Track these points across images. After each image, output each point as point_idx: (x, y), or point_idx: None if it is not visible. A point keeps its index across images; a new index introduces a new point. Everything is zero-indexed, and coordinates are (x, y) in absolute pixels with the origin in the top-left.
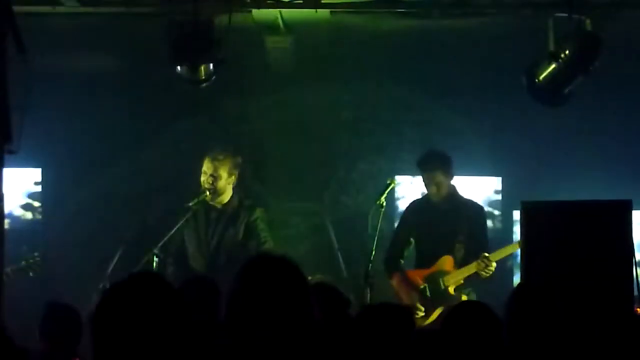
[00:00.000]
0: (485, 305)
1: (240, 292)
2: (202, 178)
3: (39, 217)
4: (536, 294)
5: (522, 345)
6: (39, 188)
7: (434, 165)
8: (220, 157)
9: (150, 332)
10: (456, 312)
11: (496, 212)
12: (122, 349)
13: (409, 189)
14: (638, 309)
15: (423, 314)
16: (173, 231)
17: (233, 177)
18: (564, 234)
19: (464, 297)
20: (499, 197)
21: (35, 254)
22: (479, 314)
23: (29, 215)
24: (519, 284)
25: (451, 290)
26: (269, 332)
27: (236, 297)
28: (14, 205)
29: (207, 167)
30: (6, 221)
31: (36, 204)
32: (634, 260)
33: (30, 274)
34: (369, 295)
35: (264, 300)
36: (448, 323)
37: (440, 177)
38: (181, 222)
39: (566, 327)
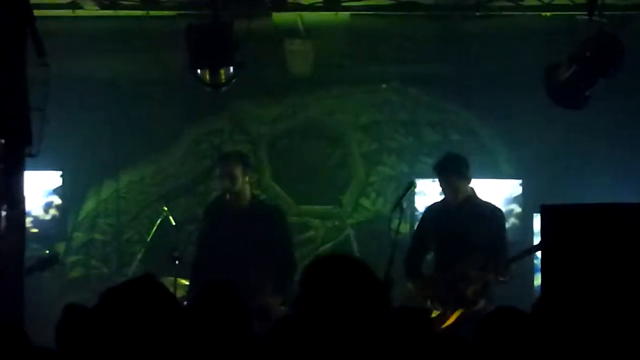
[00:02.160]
0: (521, 312)
1: (308, 294)
2: (219, 182)
3: (58, 218)
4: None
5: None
6: (59, 190)
7: (451, 169)
8: (232, 158)
9: (142, 337)
10: (492, 318)
11: (516, 216)
12: (113, 354)
13: (428, 192)
14: None
15: (442, 317)
16: (194, 234)
17: (248, 176)
18: (585, 237)
19: (483, 301)
20: (519, 200)
21: (47, 251)
22: (514, 321)
23: (48, 216)
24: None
25: (470, 294)
26: (348, 333)
27: (310, 301)
28: (34, 207)
29: (221, 170)
30: (28, 220)
31: (57, 202)
32: None
33: (46, 272)
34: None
35: (335, 301)
36: (484, 330)
37: (457, 181)
38: (202, 224)
39: (591, 330)
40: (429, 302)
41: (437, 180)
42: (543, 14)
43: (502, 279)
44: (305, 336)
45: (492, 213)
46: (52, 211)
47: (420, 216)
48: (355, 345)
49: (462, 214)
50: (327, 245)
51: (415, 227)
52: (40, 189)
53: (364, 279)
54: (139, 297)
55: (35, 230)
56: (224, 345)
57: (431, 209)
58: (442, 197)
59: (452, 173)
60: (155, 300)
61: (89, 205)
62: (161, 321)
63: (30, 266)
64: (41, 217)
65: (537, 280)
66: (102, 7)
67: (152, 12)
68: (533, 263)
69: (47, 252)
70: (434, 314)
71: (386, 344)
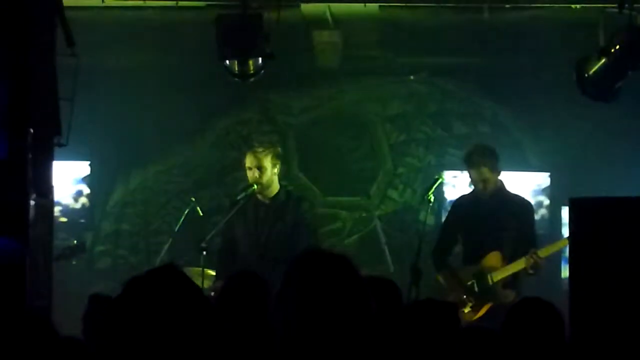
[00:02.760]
0: (547, 302)
1: (291, 289)
2: (248, 173)
3: (87, 207)
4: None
5: (585, 341)
6: (87, 180)
7: (481, 160)
8: (260, 149)
9: (164, 327)
10: (519, 309)
11: (544, 208)
12: (135, 343)
13: (456, 184)
14: None
15: (471, 310)
16: (221, 225)
17: (277, 168)
18: (614, 231)
19: (512, 294)
20: (547, 192)
21: (75, 241)
22: (541, 311)
23: (78, 205)
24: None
25: (499, 286)
26: (326, 328)
27: (287, 295)
28: (64, 195)
29: (250, 161)
30: (56, 209)
31: (86, 191)
32: None
33: (73, 261)
34: (415, 291)
35: (318, 296)
36: (511, 320)
37: (487, 172)
38: (229, 215)
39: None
40: (457, 296)
41: (465, 171)
42: (573, 5)
43: (531, 271)
44: (286, 330)
45: (521, 205)
46: (82, 200)
47: (449, 208)
48: (337, 341)
49: (491, 206)
50: (354, 237)
51: (444, 219)
52: (69, 178)
53: (347, 275)
54: (162, 287)
55: (64, 219)
56: (249, 336)
57: (460, 201)
58: (471, 188)
59: (483, 164)
60: (177, 290)
61: (117, 195)
62: (184, 310)
63: (58, 255)
64: (71, 206)
65: (565, 272)
66: None
67: (181, 3)
68: (561, 255)
69: (75, 241)
70: (466, 308)
71: (368, 340)
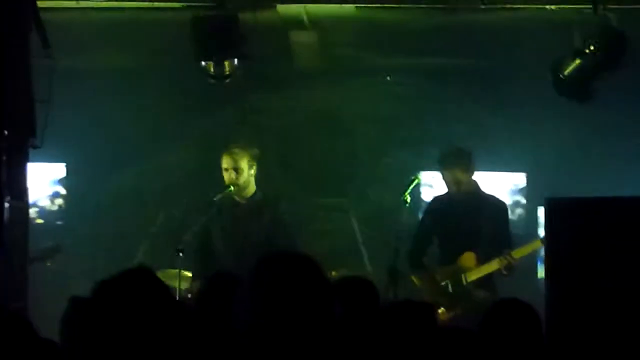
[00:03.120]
0: (525, 303)
1: (253, 290)
2: (225, 174)
3: (64, 209)
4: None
5: (560, 341)
6: (64, 182)
7: (452, 162)
8: (237, 150)
9: (135, 329)
10: (496, 310)
11: (521, 208)
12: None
13: (434, 184)
14: None
15: (445, 310)
16: (198, 226)
17: (253, 169)
18: (589, 231)
19: (486, 294)
20: (524, 192)
21: (50, 243)
22: (519, 312)
23: (54, 207)
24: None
25: (473, 287)
26: (285, 330)
27: (249, 296)
28: (40, 197)
29: (226, 162)
30: (33, 211)
31: (63, 193)
32: None
33: (48, 263)
34: (392, 291)
35: (279, 298)
36: (489, 321)
37: (459, 174)
38: (206, 217)
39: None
40: (432, 297)
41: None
42: (548, 7)
43: (505, 272)
44: (248, 330)
45: (496, 206)
46: (59, 202)
47: (425, 209)
48: (295, 343)
49: (465, 206)
50: (332, 238)
51: (420, 220)
52: (46, 179)
53: (310, 278)
54: (132, 289)
55: (40, 221)
56: (225, 337)
57: (435, 202)
58: (447, 189)
59: (455, 166)
60: (148, 292)
61: (94, 197)
62: (154, 312)
63: (33, 257)
64: (47, 208)
65: (541, 273)
66: None
67: (157, 4)
68: (536, 255)
69: (50, 243)
70: (440, 309)
71: (328, 344)
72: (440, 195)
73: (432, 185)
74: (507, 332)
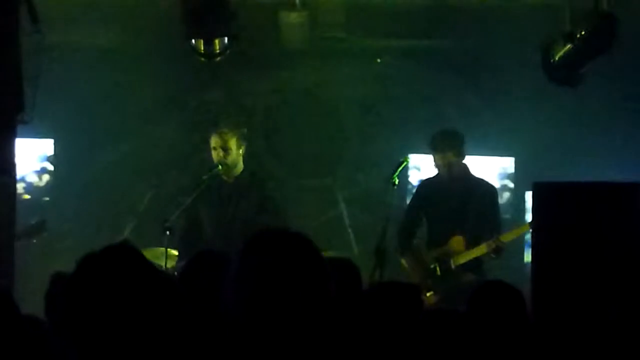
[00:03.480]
0: (509, 285)
1: (245, 269)
2: (213, 154)
3: (51, 185)
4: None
5: (546, 323)
6: (52, 159)
7: (445, 145)
8: (227, 130)
9: (119, 307)
10: (481, 292)
11: (508, 193)
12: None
13: (423, 166)
14: None
15: (433, 293)
16: (185, 205)
17: (242, 148)
18: (576, 215)
19: (474, 278)
20: (512, 177)
21: (37, 219)
22: (504, 294)
23: (42, 183)
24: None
25: (461, 270)
26: (281, 310)
27: (241, 275)
28: (28, 172)
29: (215, 142)
30: (20, 186)
31: (50, 169)
32: None
33: (34, 240)
34: (379, 272)
35: (274, 277)
36: (474, 303)
37: (451, 157)
38: (194, 195)
39: (582, 308)
40: (420, 279)
41: (430, 155)
42: None
43: (493, 255)
44: (240, 311)
45: (485, 189)
46: (46, 177)
47: (414, 190)
48: (292, 323)
49: (455, 189)
50: (319, 219)
51: (409, 202)
52: (34, 155)
53: (305, 255)
54: (116, 265)
55: (27, 196)
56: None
57: (425, 184)
58: (436, 172)
59: (447, 149)
60: (132, 268)
61: (81, 174)
62: (138, 288)
63: (18, 233)
64: (35, 184)
65: (528, 257)
66: None
67: None
68: (524, 238)
69: (35, 220)
70: (428, 292)
71: (326, 323)
72: (430, 178)
73: (420, 167)
74: (492, 313)
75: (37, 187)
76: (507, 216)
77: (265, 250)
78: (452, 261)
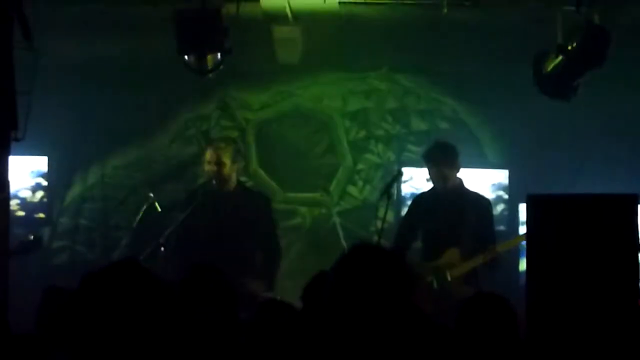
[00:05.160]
0: (500, 297)
1: (346, 282)
2: (207, 167)
3: (45, 201)
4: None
5: (541, 335)
6: (45, 175)
7: (440, 158)
8: (222, 144)
9: (123, 321)
10: (471, 304)
11: (503, 204)
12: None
13: (416, 180)
14: None
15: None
16: (179, 221)
17: (237, 164)
18: (570, 227)
19: (471, 290)
20: (506, 189)
21: (31, 236)
22: (494, 306)
23: (36, 199)
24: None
25: (458, 282)
26: (370, 314)
27: (342, 287)
28: (21, 188)
29: (210, 156)
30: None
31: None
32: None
33: (29, 257)
34: None
35: (367, 290)
36: (464, 316)
37: (446, 170)
38: (188, 210)
39: (575, 319)
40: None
41: (424, 168)
42: (531, 3)
43: (489, 266)
44: (334, 322)
45: (480, 202)
46: (40, 194)
47: (409, 204)
48: (377, 334)
49: (450, 202)
50: (313, 233)
51: (403, 215)
52: (28, 170)
53: (392, 270)
54: (120, 281)
55: (21, 213)
56: (210, 329)
57: (420, 197)
58: (431, 185)
59: (442, 161)
60: (136, 284)
61: (75, 190)
62: (142, 305)
63: (14, 249)
64: (29, 200)
65: (522, 266)
66: None
67: None
68: (518, 249)
69: (31, 236)
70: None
71: (407, 335)
72: (425, 192)
73: (413, 181)
74: (481, 325)
75: (31, 203)
76: (501, 228)
77: (364, 263)
78: (448, 274)
